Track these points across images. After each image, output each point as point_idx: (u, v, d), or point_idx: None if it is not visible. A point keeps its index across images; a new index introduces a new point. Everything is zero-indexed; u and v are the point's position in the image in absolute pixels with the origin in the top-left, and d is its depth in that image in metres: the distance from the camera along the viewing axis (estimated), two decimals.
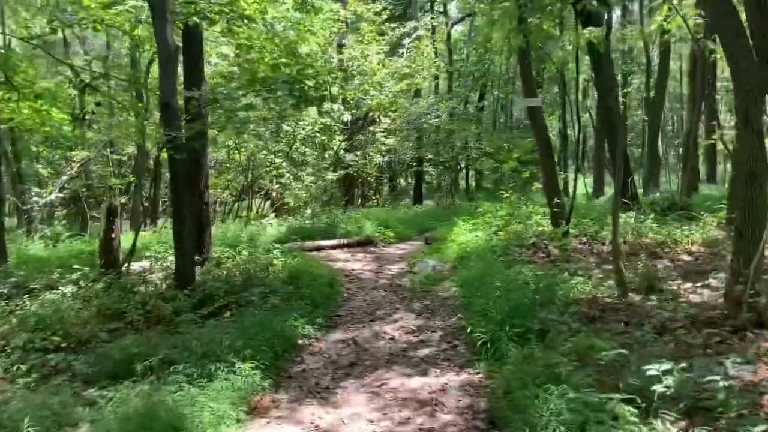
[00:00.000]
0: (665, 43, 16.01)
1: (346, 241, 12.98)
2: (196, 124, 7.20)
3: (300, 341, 6.05)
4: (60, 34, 16.06)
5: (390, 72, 20.16)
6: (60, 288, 7.09)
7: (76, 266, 7.78)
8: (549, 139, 10.29)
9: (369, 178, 19.44)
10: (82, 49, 21.76)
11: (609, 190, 18.61)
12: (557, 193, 10.11)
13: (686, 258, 8.62)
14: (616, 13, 28.61)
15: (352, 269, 10.35)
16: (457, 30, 32.94)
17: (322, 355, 5.74)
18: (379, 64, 18.79)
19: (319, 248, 12.49)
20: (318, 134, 16.35)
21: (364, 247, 13.04)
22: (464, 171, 26.49)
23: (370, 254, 12.22)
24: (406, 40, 22.35)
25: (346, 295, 8.37)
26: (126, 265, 8.03)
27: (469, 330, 5.76)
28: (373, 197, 19.96)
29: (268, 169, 15.88)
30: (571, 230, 9.48)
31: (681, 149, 32.62)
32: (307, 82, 7.24)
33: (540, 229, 10.20)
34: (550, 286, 6.58)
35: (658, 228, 9.82)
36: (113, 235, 8.06)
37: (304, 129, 15.95)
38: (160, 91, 6.87)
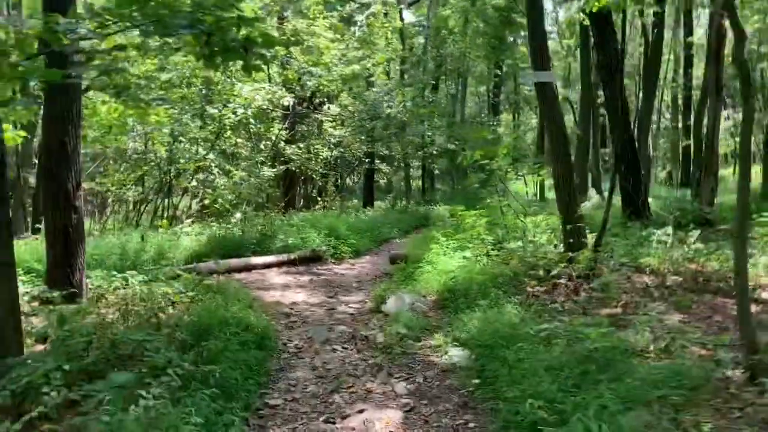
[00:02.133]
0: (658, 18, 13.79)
1: (285, 257, 9.97)
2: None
3: None
4: None
5: (340, 52, 17.18)
6: None
7: None
8: (564, 128, 7.65)
9: (314, 176, 16.42)
10: None
11: (592, 195, 16.27)
12: (575, 202, 7.49)
13: None
14: None
15: (294, 304, 7.39)
16: (409, 19, 30.25)
17: None
18: (329, 30, 15.73)
19: (250, 268, 9.45)
20: (252, 120, 13.22)
21: (309, 266, 10.07)
22: (420, 169, 23.79)
23: (318, 276, 9.27)
24: (359, 17, 19.46)
25: (284, 356, 5.41)
26: None
27: None
28: (319, 199, 16.94)
29: (187, 161, 12.66)
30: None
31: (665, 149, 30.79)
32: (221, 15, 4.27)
33: (551, 248, 7.55)
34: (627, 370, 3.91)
35: (706, 251, 7.34)
36: None
37: (234, 113, 12.79)
38: None
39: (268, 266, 9.68)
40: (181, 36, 4.64)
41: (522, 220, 9.45)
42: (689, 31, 23.43)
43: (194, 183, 10.95)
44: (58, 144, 6.22)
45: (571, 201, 7.45)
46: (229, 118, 12.86)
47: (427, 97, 19.93)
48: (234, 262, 9.36)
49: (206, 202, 11.20)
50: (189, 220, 10.82)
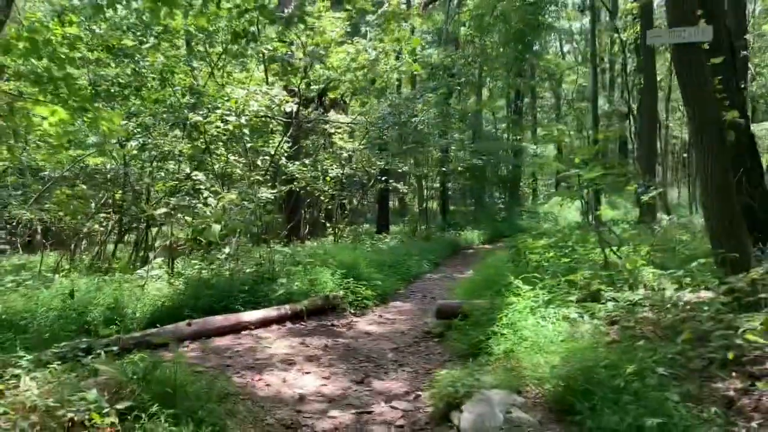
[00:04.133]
0: None
1: (288, 309, 7.24)
2: None
3: None
4: None
5: (350, 56, 14.61)
6: None
7: None
8: (720, 117, 4.95)
9: (322, 197, 13.74)
10: None
11: (662, 217, 13.46)
12: (742, 231, 4.80)
13: None
14: None
15: (302, 401, 4.61)
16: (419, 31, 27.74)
17: None
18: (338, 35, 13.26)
19: (240, 327, 6.72)
20: (246, 131, 10.60)
21: (321, 320, 7.36)
22: (440, 189, 21.07)
23: (335, 339, 6.53)
24: (370, 17, 16.97)
25: None
26: None
27: None
28: (328, 225, 14.22)
29: (165, 182, 10.03)
30: None
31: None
32: None
33: (695, 297, 4.80)
34: None
35: None
36: None
37: (223, 121, 10.17)
38: None
39: (265, 324, 6.95)
40: None
41: (618, 255, 6.76)
42: None
43: (163, 210, 8.19)
44: None
45: (734, 229, 4.75)
46: (217, 127, 10.21)
47: (452, 106, 17.34)
48: (217, 320, 6.63)
49: (182, 234, 8.52)
50: (159, 260, 8.11)
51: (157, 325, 6.38)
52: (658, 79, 19.67)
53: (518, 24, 19.83)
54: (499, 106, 30.38)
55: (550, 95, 34.24)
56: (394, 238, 15.72)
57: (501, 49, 22.59)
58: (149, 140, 9.54)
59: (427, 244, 14.41)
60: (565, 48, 35.19)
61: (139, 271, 7.82)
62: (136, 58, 9.68)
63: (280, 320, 7.09)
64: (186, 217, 8.85)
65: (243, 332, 6.67)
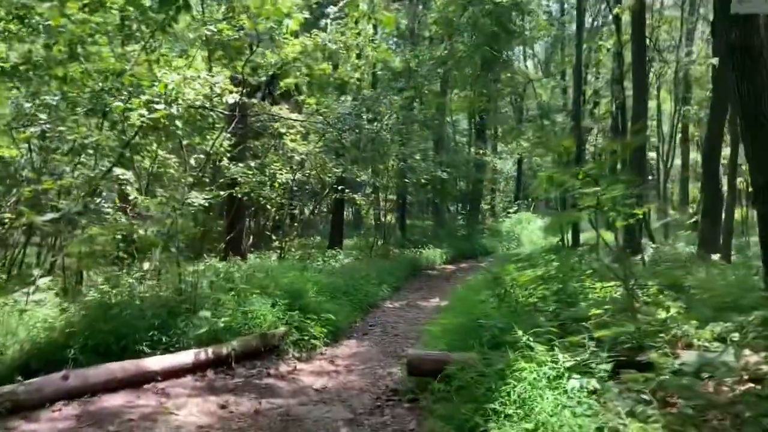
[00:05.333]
0: None
1: (210, 352, 5.50)
2: None
3: None
4: None
5: (309, 48, 12.99)
6: None
7: None
8: None
9: (269, 206, 11.98)
10: None
11: (646, 245, 12.23)
12: None
13: None
14: None
15: None
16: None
17: None
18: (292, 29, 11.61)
19: (139, 379, 4.96)
20: (178, 123, 8.81)
21: (254, 367, 5.68)
22: (398, 201, 19.49)
23: (269, 401, 4.83)
24: (331, 9, 15.41)
25: None
26: None
27: None
28: (275, 238, 12.45)
29: (66, 179, 8.11)
30: None
31: None
32: None
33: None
34: None
35: None
36: None
37: (149, 108, 8.33)
38: None
39: (177, 373, 5.21)
40: None
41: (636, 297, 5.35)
42: None
43: (49, 216, 6.28)
44: None
45: None
46: (141, 116, 8.35)
47: (415, 111, 15.86)
48: (110, 369, 4.85)
49: (76, 248, 6.66)
50: (44, 280, 6.24)
51: (19, 379, 4.56)
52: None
53: (491, 27, 18.56)
54: (459, 119, 29.18)
55: (510, 110, 33.38)
56: (348, 254, 14.05)
57: (470, 57, 21.29)
58: (49, 125, 7.65)
59: (385, 264, 12.81)
60: (529, 63, 34.48)
61: (16, 293, 5.93)
62: (36, 20, 7.78)
63: (198, 368, 5.36)
64: (90, 225, 7.00)
65: (145, 386, 4.92)
